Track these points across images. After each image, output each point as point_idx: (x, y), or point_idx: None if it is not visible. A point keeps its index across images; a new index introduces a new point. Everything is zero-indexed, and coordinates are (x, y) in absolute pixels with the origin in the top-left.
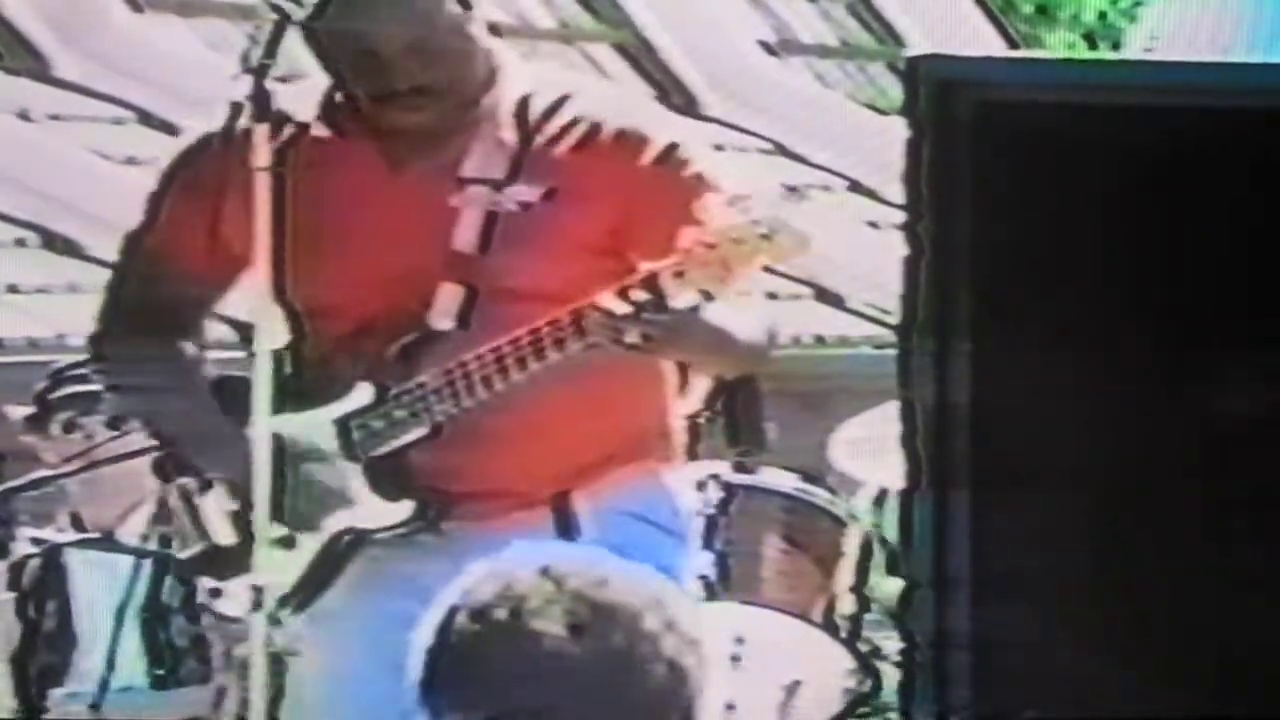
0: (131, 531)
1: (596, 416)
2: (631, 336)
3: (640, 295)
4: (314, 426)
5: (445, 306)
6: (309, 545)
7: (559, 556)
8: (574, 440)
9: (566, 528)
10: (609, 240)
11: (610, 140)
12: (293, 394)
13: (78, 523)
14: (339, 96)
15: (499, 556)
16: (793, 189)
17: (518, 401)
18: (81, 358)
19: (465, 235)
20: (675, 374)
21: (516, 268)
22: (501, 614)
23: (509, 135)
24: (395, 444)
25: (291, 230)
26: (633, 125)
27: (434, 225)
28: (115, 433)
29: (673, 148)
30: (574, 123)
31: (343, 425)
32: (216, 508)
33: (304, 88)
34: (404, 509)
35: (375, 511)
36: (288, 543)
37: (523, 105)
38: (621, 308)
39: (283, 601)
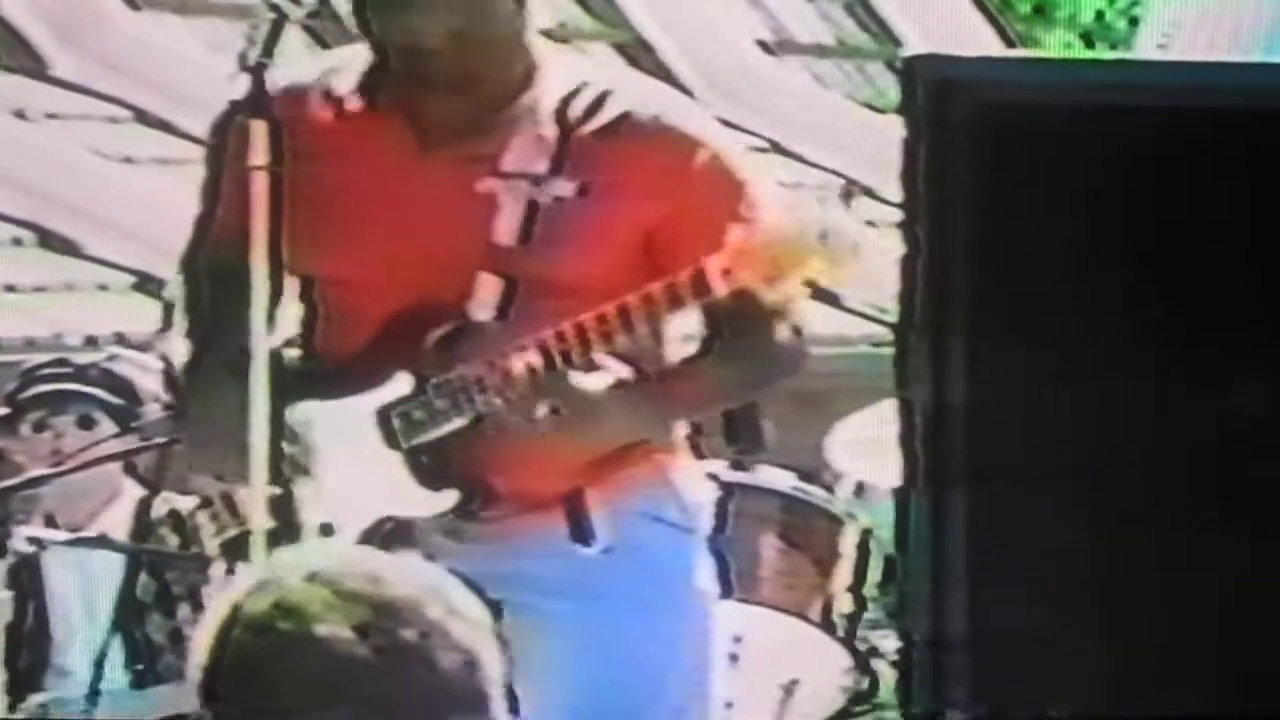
0: (111, 527)
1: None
2: (540, 409)
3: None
4: (351, 415)
5: (484, 298)
6: (348, 533)
7: (322, 560)
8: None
9: (580, 531)
10: (651, 235)
11: (651, 137)
12: (321, 380)
13: (51, 523)
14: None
15: (265, 566)
16: (849, 189)
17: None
18: (50, 357)
19: (506, 227)
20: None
21: (556, 261)
22: (285, 625)
23: (549, 131)
24: (436, 434)
25: (310, 203)
26: (675, 123)
27: (470, 214)
28: (86, 432)
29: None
30: (616, 120)
31: (383, 415)
32: (255, 494)
33: (342, 58)
34: (448, 498)
35: (418, 500)
36: (327, 530)
37: (565, 103)
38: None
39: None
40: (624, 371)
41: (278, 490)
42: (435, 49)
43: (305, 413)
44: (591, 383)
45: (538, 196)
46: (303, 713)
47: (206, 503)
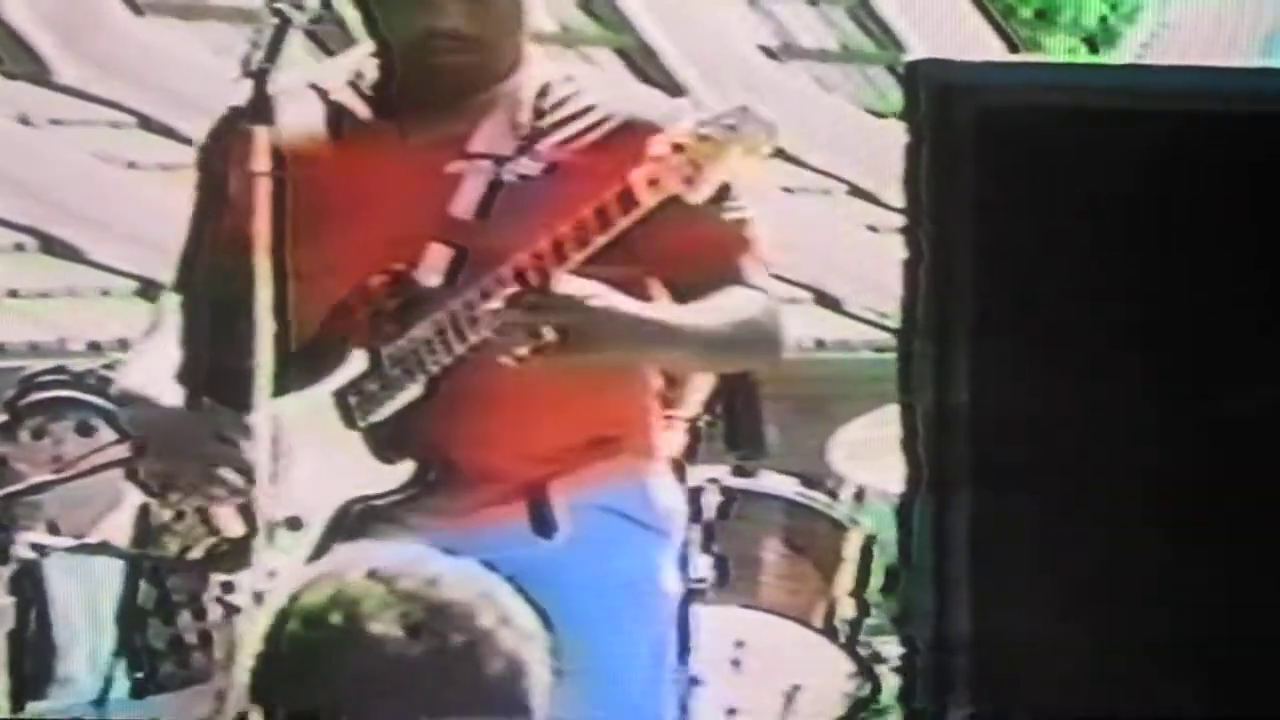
0: (113, 534)
1: (582, 394)
2: (547, 332)
3: (527, 278)
4: (309, 402)
5: (433, 264)
6: (315, 523)
7: (386, 558)
8: (558, 416)
9: (542, 523)
10: None
11: (619, 127)
12: (293, 374)
13: (54, 530)
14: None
15: (325, 560)
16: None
17: (504, 371)
18: (50, 363)
19: (464, 202)
20: (666, 377)
21: (510, 232)
22: (337, 619)
23: (521, 117)
24: (392, 406)
25: (298, 211)
26: (643, 116)
27: (432, 193)
28: (85, 439)
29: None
30: (586, 110)
31: (340, 396)
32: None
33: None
34: (403, 471)
35: (377, 476)
36: (294, 524)
37: (541, 92)
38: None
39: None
40: (616, 297)
41: (252, 493)
42: (438, 45)
43: (270, 409)
44: (589, 290)
45: (502, 175)
46: (350, 707)
47: (179, 515)
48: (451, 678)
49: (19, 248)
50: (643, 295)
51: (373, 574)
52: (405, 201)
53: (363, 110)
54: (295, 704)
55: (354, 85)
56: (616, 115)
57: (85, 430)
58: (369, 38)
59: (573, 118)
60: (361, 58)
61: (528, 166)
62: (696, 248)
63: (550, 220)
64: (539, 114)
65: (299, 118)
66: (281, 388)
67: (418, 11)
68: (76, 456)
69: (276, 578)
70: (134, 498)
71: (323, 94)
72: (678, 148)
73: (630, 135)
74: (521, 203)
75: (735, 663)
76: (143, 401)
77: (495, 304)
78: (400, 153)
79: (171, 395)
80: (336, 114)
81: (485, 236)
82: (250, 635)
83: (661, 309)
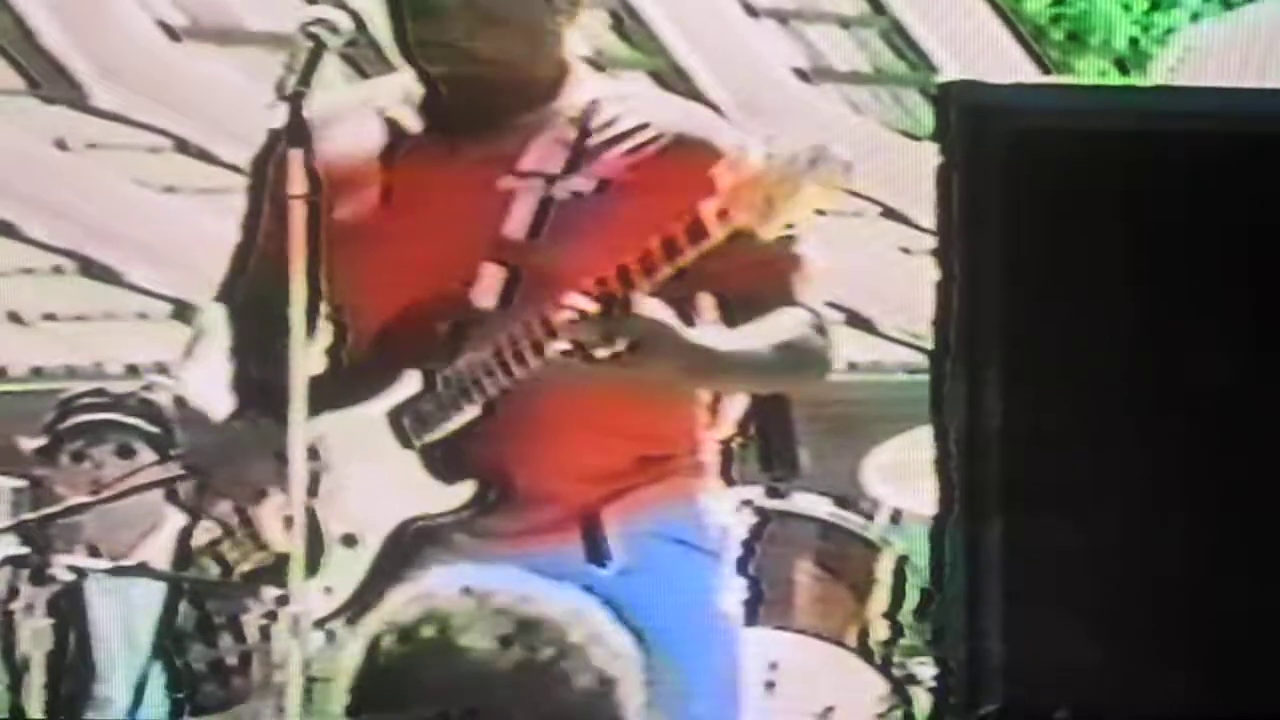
0: (153, 556)
1: (630, 414)
2: (601, 350)
3: (608, 293)
4: (363, 422)
5: (487, 285)
6: (371, 541)
7: (479, 577)
8: (608, 437)
9: (597, 551)
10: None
11: (671, 144)
12: (338, 392)
13: (94, 552)
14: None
15: (418, 582)
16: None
17: (557, 393)
18: (89, 386)
19: (516, 221)
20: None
21: (563, 252)
22: (429, 631)
23: (571, 134)
24: (448, 426)
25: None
26: (694, 133)
27: (484, 212)
28: (125, 461)
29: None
30: (637, 127)
31: (394, 416)
32: (273, 517)
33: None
34: (463, 491)
35: (436, 497)
36: (349, 541)
37: (590, 110)
38: (585, 307)
39: (342, 611)
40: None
41: (302, 511)
42: (450, 12)
43: (318, 426)
44: (660, 310)
45: (554, 193)
46: (438, 718)
47: (228, 532)
48: (541, 690)
49: (57, 271)
50: (692, 311)
51: (467, 590)
52: (457, 220)
53: (416, 128)
54: (386, 715)
55: (407, 103)
56: (667, 132)
57: (125, 453)
58: (404, 61)
59: (624, 135)
60: (412, 77)
61: (579, 184)
62: (750, 269)
63: (603, 239)
64: (589, 131)
65: (354, 137)
66: (330, 405)
67: (441, 32)
68: (116, 479)
69: (332, 594)
70: (175, 520)
71: (378, 112)
72: (752, 181)
73: (681, 151)
74: (573, 221)
75: (769, 684)
76: (191, 416)
77: (562, 325)
78: (452, 171)
79: (221, 409)
80: (391, 132)
81: (538, 256)
82: (344, 658)
83: (719, 337)
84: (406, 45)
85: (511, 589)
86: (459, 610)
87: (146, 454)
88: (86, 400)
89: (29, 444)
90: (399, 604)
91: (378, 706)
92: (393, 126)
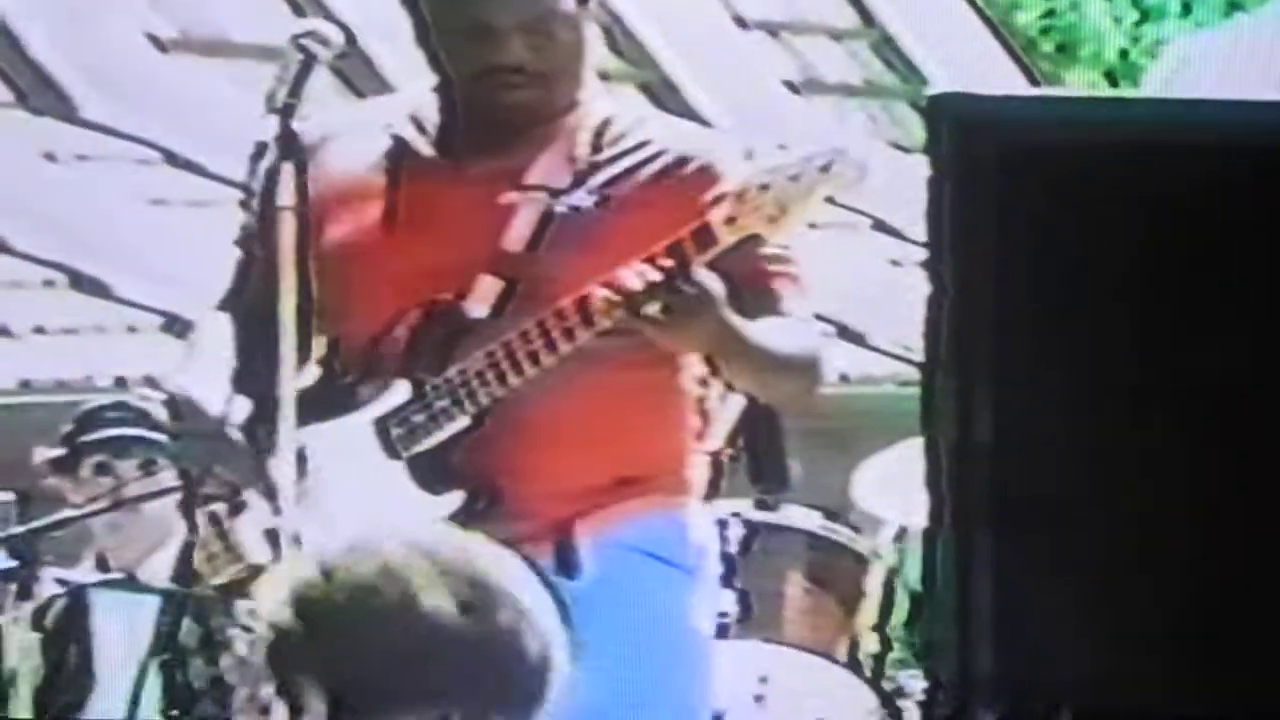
0: (162, 570)
1: (613, 433)
2: (650, 308)
3: (667, 264)
4: (348, 431)
5: (481, 295)
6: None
7: (418, 530)
8: (586, 455)
9: (567, 563)
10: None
11: (673, 163)
12: (335, 401)
13: (102, 563)
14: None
15: (360, 528)
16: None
17: (538, 404)
18: (111, 399)
19: (516, 234)
20: (695, 412)
21: (560, 265)
22: (391, 594)
23: (579, 151)
24: (438, 436)
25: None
26: (696, 152)
27: (486, 224)
28: (147, 476)
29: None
30: (642, 144)
31: (381, 425)
32: (251, 528)
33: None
34: (451, 501)
35: (423, 506)
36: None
37: (601, 126)
38: (650, 274)
39: None
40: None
41: (281, 521)
42: (505, 37)
43: (302, 436)
44: (714, 282)
45: (555, 207)
46: (400, 684)
47: (202, 544)
48: (498, 656)
49: (48, 284)
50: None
51: (412, 545)
52: (458, 232)
53: (423, 145)
54: (339, 675)
55: (414, 120)
56: (670, 150)
57: (148, 467)
58: (433, 73)
59: (628, 152)
60: (421, 93)
61: (580, 199)
62: (741, 278)
63: (601, 253)
64: (597, 148)
65: (359, 152)
66: (319, 415)
67: (482, 48)
68: (136, 495)
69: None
70: (181, 535)
71: (385, 129)
72: (763, 187)
73: (683, 171)
74: (572, 236)
75: (759, 698)
76: (186, 423)
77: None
78: (456, 185)
79: (214, 417)
80: (397, 148)
81: (535, 268)
82: (265, 601)
83: (750, 326)
84: (437, 61)
85: (451, 541)
86: (413, 570)
87: (169, 470)
88: (111, 414)
89: (45, 454)
90: (334, 551)
91: (314, 660)
92: (399, 144)
